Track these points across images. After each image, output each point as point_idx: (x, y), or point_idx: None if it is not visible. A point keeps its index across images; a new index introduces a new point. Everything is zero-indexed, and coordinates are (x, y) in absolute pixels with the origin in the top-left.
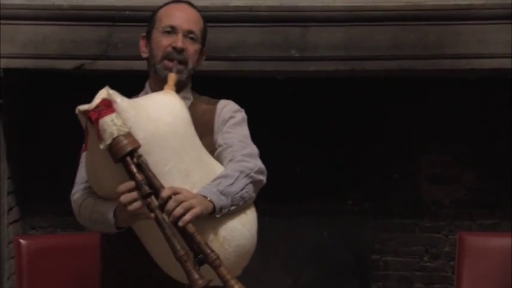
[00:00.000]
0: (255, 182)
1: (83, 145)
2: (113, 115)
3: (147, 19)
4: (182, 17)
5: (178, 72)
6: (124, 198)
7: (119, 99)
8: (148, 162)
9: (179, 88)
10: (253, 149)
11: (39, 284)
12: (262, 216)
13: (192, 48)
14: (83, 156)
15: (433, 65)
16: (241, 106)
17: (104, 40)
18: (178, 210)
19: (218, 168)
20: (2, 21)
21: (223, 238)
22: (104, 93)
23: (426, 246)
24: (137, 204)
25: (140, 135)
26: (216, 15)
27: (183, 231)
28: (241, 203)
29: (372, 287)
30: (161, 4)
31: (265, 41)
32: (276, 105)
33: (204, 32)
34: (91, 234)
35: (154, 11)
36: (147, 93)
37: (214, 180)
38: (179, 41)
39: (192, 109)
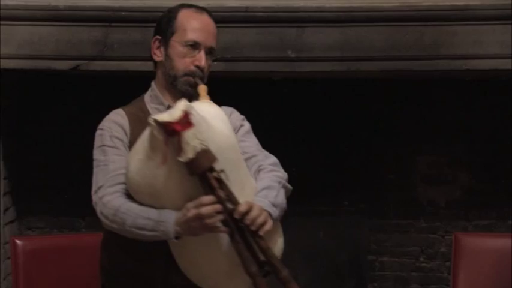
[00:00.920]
0: (287, 191)
1: (162, 156)
2: (195, 129)
3: (143, 20)
4: (206, 32)
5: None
6: (205, 210)
7: (194, 112)
8: None
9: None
10: (274, 157)
11: (35, 285)
12: None
13: (208, 64)
14: (98, 154)
15: (428, 65)
16: (237, 107)
17: (100, 41)
18: (261, 219)
19: (249, 178)
20: None
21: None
22: (183, 105)
23: (422, 246)
24: (219, 217)
25: (211, 148)
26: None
27: (256, 245)
28: (282, 213)
29: None
30: (157, 5)
31: (261, 42)
32: (271, 106)
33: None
34: (88, 234)
35: (172, 12)
36: (155, 95)
37: (260, 191)
38: (203, 60)
39: None
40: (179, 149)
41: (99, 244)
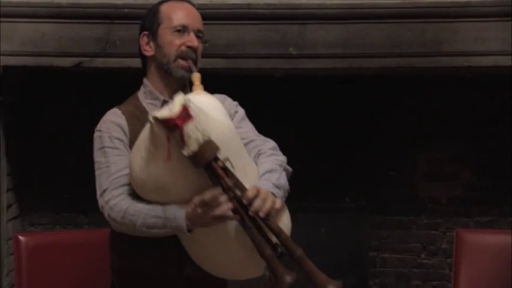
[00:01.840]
0: (288, 173)
1: (166, 153)
2: (195, 121)
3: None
4: (192, 16)
5: (191, 70)
6: (215, 201)
7: (193, 105)
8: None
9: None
10: (273, 141)
11: (38, 281)
12: None
13: (200, 47)
14: (99, 157)
15: (430, 62)
16: (239, 103)
17: (102, 38)
18: (268, 204)
19: (251, 163)
20: (1, 19)
21: None
22: (181, 99)
23: (423, 243)
24: (229, 205)
25: (212, 138)
26: (214, 12)
27: (269, 229)
28: (286, 194)
29: (369, 284)
30: (157, 2)
31: (263, 39)
32: (273, 103)
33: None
34: (90, 230)
35: (154, 8)
36: (149, 91)
37: (263, 175)
38: (194, 40)
39: None
40: (182, 143)
41: (101, 240)
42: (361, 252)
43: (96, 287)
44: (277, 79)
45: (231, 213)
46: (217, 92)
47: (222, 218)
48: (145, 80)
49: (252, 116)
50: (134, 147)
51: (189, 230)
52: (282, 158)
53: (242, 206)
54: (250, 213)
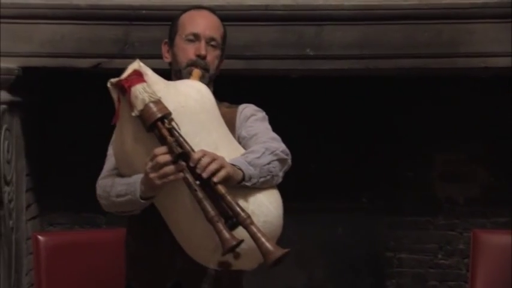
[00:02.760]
0: (280, 160)
1: (113, 117)
2: (144, 84)
3: (163, 18)
4: (204, 24)
5: (202, 75)
6: (159, 159)
7: (149, 72)
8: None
9: None
10: (277, 135)
11: (57, 280)
12: None
13: (212, 54)
14: (110, 149)
15: (447, 63)
16: (256, 104)
17: (120, 39)
18: (213, 166)
19: (243, 151)
20: (21, 21)
21: (252, 212)
22: (135, 65)
23: (440, 243)
24: (171, 166)
25: (170, 107)
26: (232, 14)
27: (214, 193)
28: (269, 177)
29: (386, 284)
30: (177, 4)
31: (280, 40)
32: (290, 104)
33: (224, 38)
34: (108, 230)
35: (176, 16)
36: None
37: (242, 155)
38: (202, 49)
39: None
40: (130, 104)
41: (119, 240)
42: (378, 253)
43: (114, 287)
44: (294, 80)
45: (172, 175)
46: (235, 93)
47: (166, 178)
48: None
49: (269, 116)
50: None
51: (146, 198)
52: (276, 145)
53: (192, 170)
54: (196, 175)
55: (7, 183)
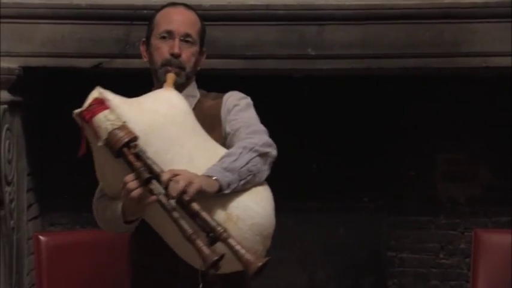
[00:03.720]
0: (261, 155)
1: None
2: (106, 112)
3: None
4: (178, 21)
5: (177, 75)
6: (128, 186)
7: (111, 97)
8: (149, 153)
9: (179, 88)
10: (259, 126)
11: (58, 280)
12: (278, 213)
13: (188, 52)
14: None
15: (448, 63)
16: (258, 104)
17: (122, 39)
18: (180, 184)
19: (222, 154)
20: (22, 20)
21: (237, 217)
22: (95, 93)
23: (442, 243)
24: (139, 190)
25: (137, 128)
26: (233, 13)
27: (189, 211)
28: (249, 177)
29: (388, 284)
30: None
31: (281, 40)
32: (292, 104)
33: (202, 32)
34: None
35: (152, 15)
36: None
37: (220, 160)
38: (176, 47)
39: (199, 105)
40: (95, 134)
41: (121, 240)
42: (380, 252)
43: (116, 287)
44: (295, 80)
45: (143, 200)
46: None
47: (142, 203)
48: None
49: (270, 116)
50: None
51: (128, 222)
52: (255, 140)
53: (164, 190)
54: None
55: (8, 183)
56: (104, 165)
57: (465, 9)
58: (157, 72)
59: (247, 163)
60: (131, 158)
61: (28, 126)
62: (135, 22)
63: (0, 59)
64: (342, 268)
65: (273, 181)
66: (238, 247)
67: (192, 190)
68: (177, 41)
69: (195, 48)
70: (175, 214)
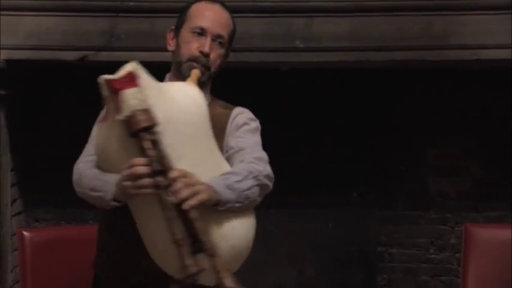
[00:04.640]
0: (261, 186)
1: (101, 115)
2: (136, 89)
3: (151, 10)
4: (213, 19)
5: (201, 73)
6: (135, 170)
7: (144, 76)
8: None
9: (199, 87)
10: (263, 154)
11: (42, 276)
12: (267, 208)
13: (216, 53)
14: (94, 130)
15: (438, 55)
16: (245, 97)
17: (107, 31)
18: (185, 193)
19: (226, 168)
20: (5, 12)
21: (224, 234)
22: (130, 66)
23: (432, 238)
24: (147, 180)
25: (159, 115)
26: None
27: (185, 216)
28: (246, 202)
29: (377, 279)
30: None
31: (269, 32)
32: (280, 97)
33: (232, 34)
34: (94, 226)
35: (187, 5)
36: None
37: (223, 174)
38: (206, 46)
39: (208, 110)
40: (118, 107)
41: None
42: (369, 247)
43: None
44: (283, 72)
45: (146, 189)
46: (224, 86)
47: (141, 190)
48: (166, 76)
49: (258, 110)
50: None
51: (119, 201)
52: (261, 169)
53: (166, 186)
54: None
55: None
56: (111, 138)
57: (455, 1)
58: (181, 65)
59: (248, 189)
60: (146, 144)
61: (12, 120)
62: (120, 14)
63: None
64: (331, 263)
65: None
66: (219, 268)
67: (198, 199)
68: (208, 39)
69: (224, 50)
70: (170, 214)
